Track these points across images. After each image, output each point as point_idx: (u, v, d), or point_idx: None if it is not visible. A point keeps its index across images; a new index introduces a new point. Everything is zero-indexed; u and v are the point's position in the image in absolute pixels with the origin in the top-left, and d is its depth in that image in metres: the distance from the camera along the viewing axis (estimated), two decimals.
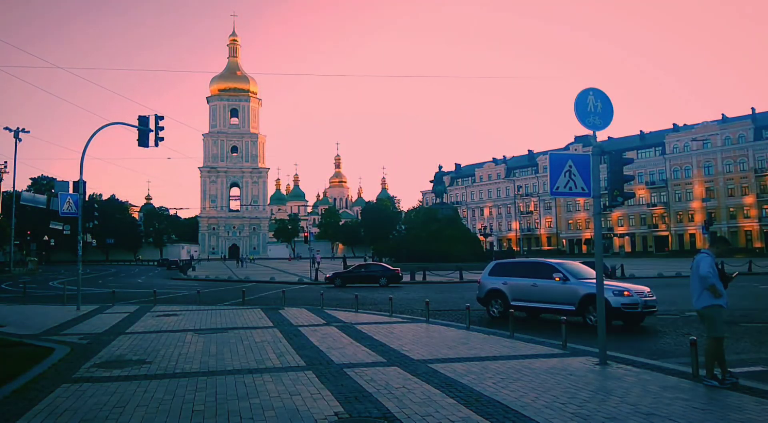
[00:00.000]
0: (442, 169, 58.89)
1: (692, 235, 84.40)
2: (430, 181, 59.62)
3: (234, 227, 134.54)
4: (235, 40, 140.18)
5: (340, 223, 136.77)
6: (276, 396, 6.76)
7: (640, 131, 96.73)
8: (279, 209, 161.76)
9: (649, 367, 8.23)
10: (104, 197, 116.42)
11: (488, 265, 16.97)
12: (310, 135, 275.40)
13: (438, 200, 58.05)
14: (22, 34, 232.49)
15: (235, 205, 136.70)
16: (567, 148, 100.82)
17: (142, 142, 18.78)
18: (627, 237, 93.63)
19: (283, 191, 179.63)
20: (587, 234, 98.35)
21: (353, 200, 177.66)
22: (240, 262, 75.19)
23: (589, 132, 9.19)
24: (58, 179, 24.50)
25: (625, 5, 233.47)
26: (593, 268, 10.73)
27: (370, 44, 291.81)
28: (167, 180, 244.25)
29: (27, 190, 78.64)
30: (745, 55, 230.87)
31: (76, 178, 19.23)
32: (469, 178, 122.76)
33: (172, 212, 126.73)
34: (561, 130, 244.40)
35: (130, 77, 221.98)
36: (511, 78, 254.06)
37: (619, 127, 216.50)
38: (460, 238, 51.70)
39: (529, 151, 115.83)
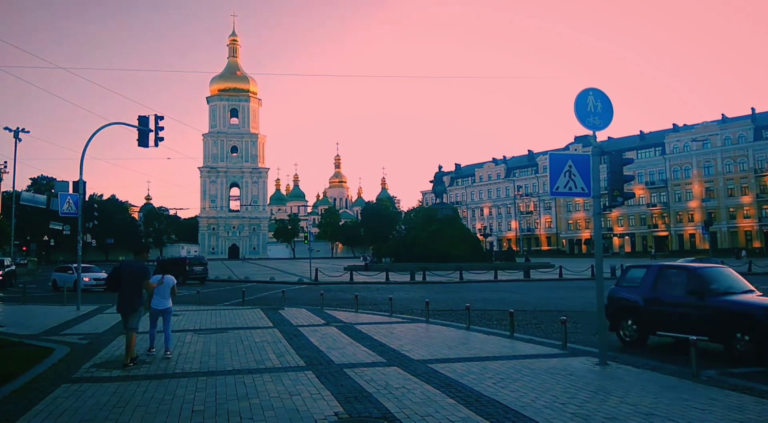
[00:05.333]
0: (442, 169, 58.86)
1: (692, 235, 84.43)
2: (430, 181, 59.58)
3: (234, 227, 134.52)
4: (235, 40, 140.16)
5: (340, 223, 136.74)
6: (276, 396, 6.76)
7: (640, 131, 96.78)
8: (279, 209, 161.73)
9: (649, 367, 8.23)
10: (104, 197, 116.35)
11: None
12: (310, 135, 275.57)
13: (438, 200, 58.01)
14: (22, 35, 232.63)
15: (235, 205, 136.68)
16: (567, 148, 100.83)
17: (142, 142, 18.77)
18: (627, 237, 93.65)
19: (283, 191, 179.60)
20: (587, 234, 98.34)
21: (353, 200, 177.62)
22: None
23: (589, 132, 9.20)
24: (58, 179, 24.44)
25: (625, 5, 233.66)
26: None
27: (370, 44, 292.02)
28: (167, 180, 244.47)
29: (27, 190, 78.59)
30: (745, 55, 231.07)
31: (76, 178, 19.23)
32: (469, 178, 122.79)
33: (172, 212, 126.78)
34: (561, 130, 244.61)
35: (130, 77, 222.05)
36: (511, 78, 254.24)
37: (619, 127, 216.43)
38: (460, 238, 51.64)
39: (529, 151, 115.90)
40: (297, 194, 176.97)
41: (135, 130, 18.77)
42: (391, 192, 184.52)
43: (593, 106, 8.99)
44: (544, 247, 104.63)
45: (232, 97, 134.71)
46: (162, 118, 18.89)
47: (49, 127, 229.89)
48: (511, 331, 11.40)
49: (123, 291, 8.73)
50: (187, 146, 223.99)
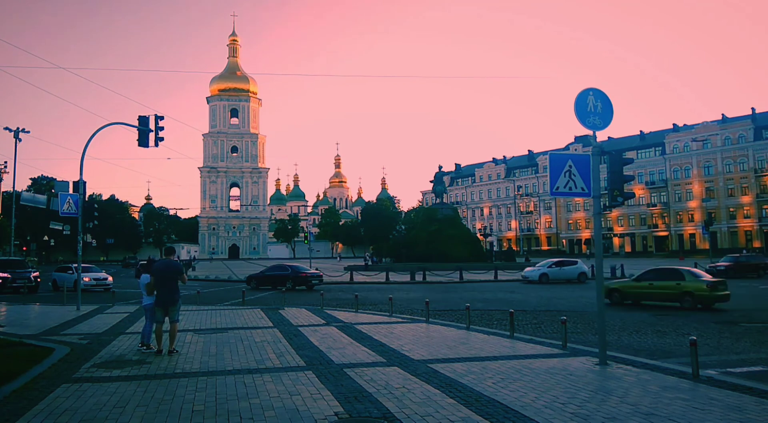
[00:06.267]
0: (442, 169, 58.83)
1: (692, 235, 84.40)
2: (430, 181, 59.56)
3: (234, 227, 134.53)
4: (235, 40, 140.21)
5: (340, 223, 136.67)
6: (276, 396, 6.76)
7: (640, 131, 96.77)
8: (279, 209, 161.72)
9: (649, 367, 8.23)
10: (104, 197, 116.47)
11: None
12: (310, 135, 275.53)
13: (438, 200, 57.99)
14: (22, 35, 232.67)
15: (235, 205, 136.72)
16: (567, 148, 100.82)
17: (142, 142, 18.77)
18: (627, 237, 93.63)
19: (283, 191, 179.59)
20: (587, 234, 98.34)
21: (353, 200, 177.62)
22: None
23: (589, 132, 9.20)
24: (58, 179, 24.45)
25: (625, 5, 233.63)
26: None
27: (371, 44, 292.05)
28: (167, 180, 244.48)
29: (27, 190, 78.59)
30: (745, 55, 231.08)
31: (76, 178, 19.24)
32: (469, 178, 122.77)
33: (172, 212, 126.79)
34: (561, 130, 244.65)
35: (130, 77, 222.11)
36: (511, 78, 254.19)
37: (619, 127, 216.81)
38: (459, 238, 51.64)
39: (529, 151, 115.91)
40: (297, 194, 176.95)
41: (135, 130, 18.77)
42: (391, 192, 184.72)
43: (593, 106, 8.99)
44: (544, 247, 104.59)
45: (232, 97, 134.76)
46: (162, 118, 18.89)
47: (49, 127, 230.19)
48: (511, 331, 11.40)
49: (161, 288, 9.78)
50: (187, 146, 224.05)
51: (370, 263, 54.10)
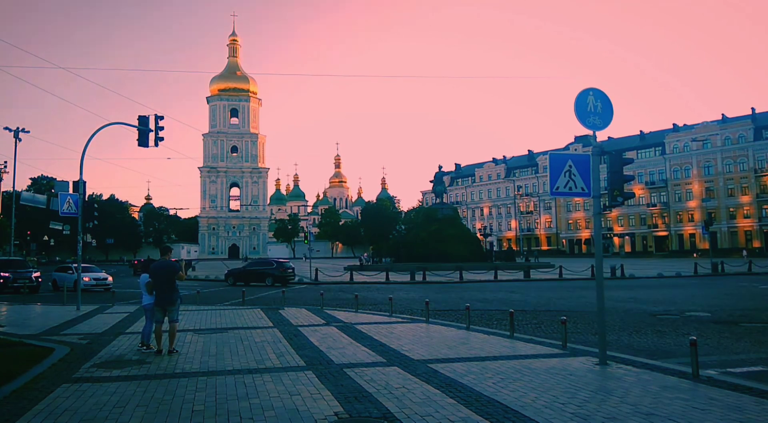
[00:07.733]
0: (442, 169, 58.76)
1: (692, 235, 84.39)
2: (430, 181, 59.49)
3: (234, 227, 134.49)
4: (235, 40, 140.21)
5: (340, 223, 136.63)
6: (276, 396, 6.76)
7: (640, 131, 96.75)
8: (279, 209, 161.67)
9: (649, 367, 8.22)
10: (104, 197, 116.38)
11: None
12: (310, 135, 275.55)
13: (438, 200, 57.93)
14: (22, 35, 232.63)
15: (235, 205, 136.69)
16: (567, 148, 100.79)
17: (142, 142, 18.77)
18: (627, 237, 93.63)
19: (283, 191, 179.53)
20: (587, 234, 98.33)
21: (353, 200, 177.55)
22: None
23: (589, 132, 9.19)
24: (58, 179, 24.42)
25: (625, 5, 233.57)
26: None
27: (370, 44, 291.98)
28: (167, 180, 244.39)
29: (27, 190, 78.56)
30: (745, 55, 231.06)
31: (76, 178, 19.23)
32: (469, 178, 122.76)
33: (172, 212, 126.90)
34: (561, 130, 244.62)
35: (130, 77, 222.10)
36: (511, 78, 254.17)
37: (619, 127, 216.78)
38: (460, 238, 51.58)
39: (529, 151, 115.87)
40: (297, 194, 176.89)
41: (135, 130, 18.77)
42: (391, 192, 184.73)
43: (593, 106, 8.97)
44: (544, 247, 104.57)
45: (232, 97, 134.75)
46: (162, 118, 18.89)
47: (49, 127, 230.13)
48: (511, 331, 11.39)
49: (158, 288, 9.81)
50: (187, 146, 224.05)
51: (365, 263, 53.82)
